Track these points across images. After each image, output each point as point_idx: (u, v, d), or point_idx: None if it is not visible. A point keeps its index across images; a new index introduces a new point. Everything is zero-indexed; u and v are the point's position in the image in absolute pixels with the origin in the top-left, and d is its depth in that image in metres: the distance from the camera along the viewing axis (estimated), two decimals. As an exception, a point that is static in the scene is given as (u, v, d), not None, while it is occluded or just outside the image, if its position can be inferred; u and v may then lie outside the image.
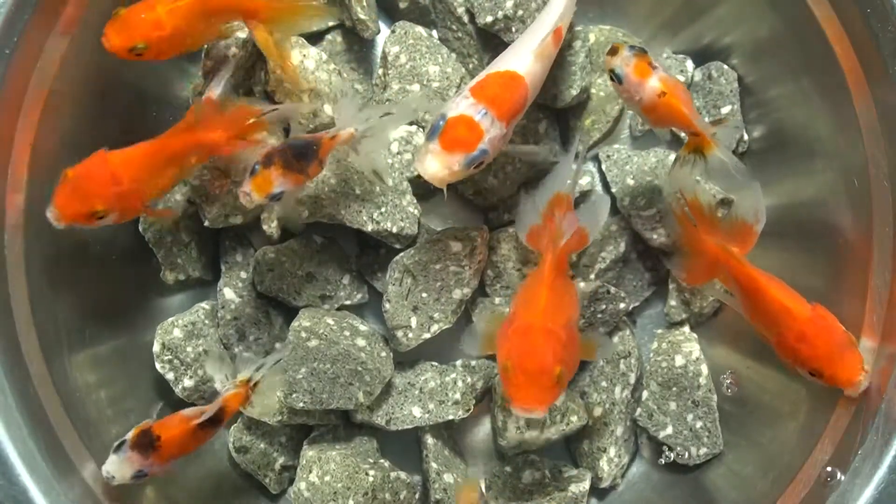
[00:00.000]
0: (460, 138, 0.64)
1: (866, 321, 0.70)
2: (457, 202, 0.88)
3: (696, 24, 0.87)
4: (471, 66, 0.85)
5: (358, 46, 0.89)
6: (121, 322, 0.83)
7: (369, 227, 0.80)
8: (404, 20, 0.85)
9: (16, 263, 0.71)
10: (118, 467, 0.68)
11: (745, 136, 0.86)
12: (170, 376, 0.82)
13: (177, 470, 0.79)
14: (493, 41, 0.82)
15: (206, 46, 0.82)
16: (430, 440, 0.82)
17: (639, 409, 0.84)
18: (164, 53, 0.72)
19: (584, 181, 0.87)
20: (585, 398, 0.85)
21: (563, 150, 0.88)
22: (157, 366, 0.82)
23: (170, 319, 0.83)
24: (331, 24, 0.88)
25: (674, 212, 0.77)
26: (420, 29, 0.84)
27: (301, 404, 0.78)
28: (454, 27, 0.84)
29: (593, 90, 0.88)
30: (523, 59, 0.69)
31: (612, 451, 0.83)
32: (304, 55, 0.82)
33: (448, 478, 0.81)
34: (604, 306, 0.83)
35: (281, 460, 0.84)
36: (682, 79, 0.87)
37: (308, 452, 0.80)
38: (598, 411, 0.84)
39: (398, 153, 0.82)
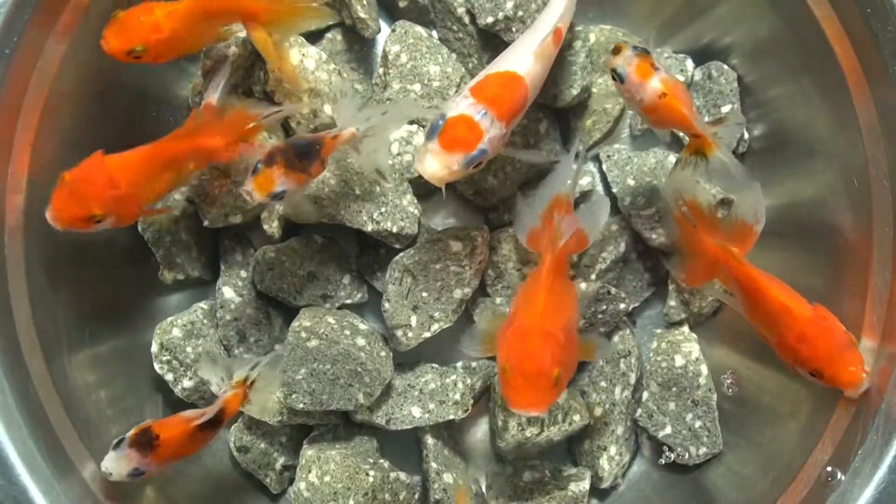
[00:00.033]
0: (460, 138, 0.64)
1: (866, 321, 0.70)
2: (457, 202, 0.88)
3: (696, 23, 0.87)
4: (471, 65, 0.85)
5: (358, 46, 0.89)
6: (120, 322, 0.83)
7: (369, 227, 0.80)
8: (404, 19, 0.85)
9: (16, 263, 0.71)
10: (115, 464, 0.68)
11: (746, 136, 0.86)
12: (169, 377, 0.82)
13: (174, 472, 0.79)
14: (493, 41, 0.82)
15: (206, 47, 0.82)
16: (429, 440, 0.82)
17: (639, 410, 0.84)
18: (162, 56, 0.72)
19: (584, 181, 0.87)
20: (585, 398, 0.85)
21: (564, 150, 0.88)
22: (156, 366, 0.82)
23: (168, 319, 0.83)
24: (330, 23, 0.88)
25: (673, 212, 0.77)
26: (420, 29, 0.84)
27: (301, 405, 0.78)
28: (454, 27, 0.84)
29: (594, 90, 0.88)
30: (523, 59, 0.69)
31: (612, 450, 0.83)
32: (304, 54, 0.82)
33: (448, 478, 0.81)
34: (604, 307, 0.83)
35: (282, 460, 0.84)
36: (681, 78, 0.87)
37: (308, 452, 0.80)
38: (598, 411, 0.84)
39: (398, 153, 0.82)
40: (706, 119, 0.86)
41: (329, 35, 0.89)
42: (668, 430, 0.83)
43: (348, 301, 0.85)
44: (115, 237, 0.82)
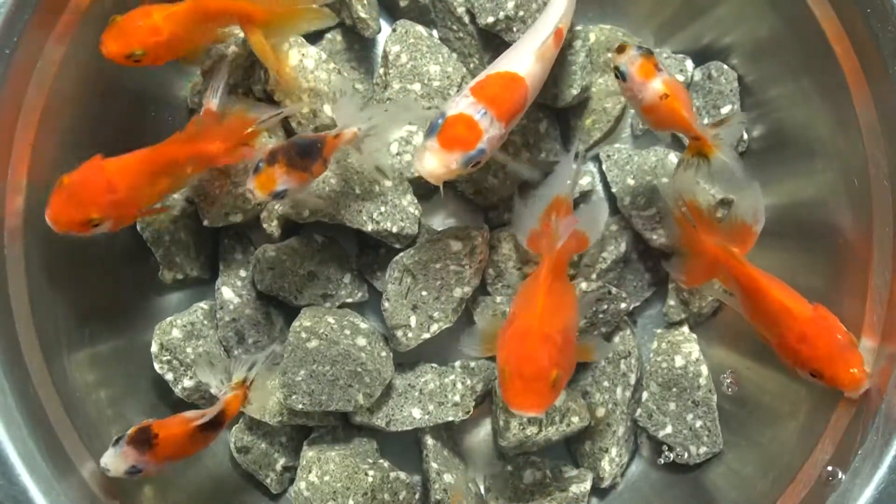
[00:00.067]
0: (459, 137, 0.64)
1: (866, 321, 0.70)
2: (457, 202, 0.88)
3: (696, 23, 0.87)
4: (472, 65, 0.85)
5: (358, 45, 0.89)
6: (120, 322, 0.83)
7: (369, 227, 0.80)
8: (404, 19, 0.85)
9: (16, 263, 0.71)
10: (113, 460, 0.68)
11: (745, 136, 0.86)
12: (169, 377, 0.82)
13: (175, 472, 0.79)
14: (493, 41, 0.82)
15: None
16: (429, 441, 0.82)
17: (639, 410, 0.84)
18: (161, 59, 0.72)
19: (584, 181, 0.87)
20: (588, 398, 0.85)
21: (564, 149, 0.88)
22: (156, 366, 0.82)
23: (168, 319, 0.83)
24: (328, 25, 0.88)
25: (673, 213, 0.77)
26: (420, 28, 0.84)
27: (300, 406, 0.78)
28: (455, 27, 0.84)
29: (594, 90, 0.88)
30: (524, 60, 0.69)
31: (613, 452, 0.83)
32: (304, 54, 0.82)
33: (448, 478, 0.81)
34: (605, 306, 0.83)
35: (282, 461, 0.84)
36: (681, 79, 0.87)
37: (308, 453, 0.81)
38: (601, 412, 0.84)
39: (398, 153, 0.82)
40: (706, 120, 0.86)
41: (329, 35, 0.89)
42: (669, 429, 0.83)
43: (349, 300, 0.85)
44: (114, 237, 0.81)
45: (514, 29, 0.80)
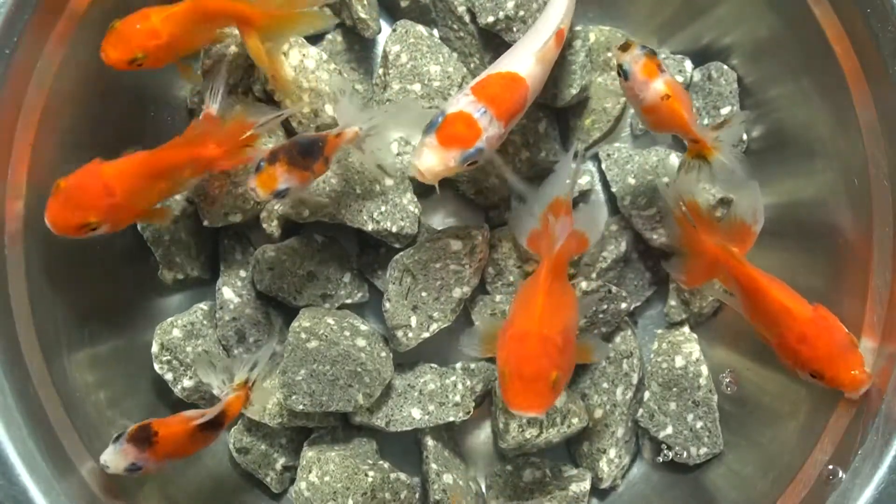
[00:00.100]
0: (458, 134, 0.65)
1: (866, 321, 0.70)
2: (457, 201, 0.88)
3: (696, 24, 0.87)
4: (472, 65, 0.85)
5: (358, 46, 0.89)
6: (120, 322, 0.83)
7: (369, 227, 0.80)
8: (405, 19, 0.85)
9: (16, 264, 0.71)
10: (113, 457, 0.68)
11: (745, 137, 0.86)
12: (168, 377, 0.82)
13: (175, 472, 0.79)
14: (494, 41, 0.82)
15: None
16: (430, 441, 0.82)
17: (640, 410, 0.84)
18: (161, 61, 0.72)
19: (583, 180, 0.87)
20: (586, 400, 0.85)
21: (563, 149, 0.88)
22: (156, 366, 0.82)
23: (168, 320, 0.83)
24: (326, 28, 0.88)
25: (673, 213, 0.77)
26: (421, 28, 0.84)
27: (301, 406, 0.78)
28: (455, 27, 0.84)
29: (593, 90, 0.88)
30: (525, 60, 0.69)
31: (612, 453, 0.83)
32: (304, 55, 0.82)
33: (448, 478, 0.81)
34: (605, 306, 0.83)
35: (282, 461, 0.84)
36: (680, 79, 0.87)
37: (308, 453, 0.81)
38: (598, 413, 0.84)
39: (398, 153, 0.82)
40: (706, 121, 0.86)
41: (329, 35, 0.89)
42: (669, 430, 0.83)
43: (348, 300, 0.85)
44: (114, 237, 0.81)
45: (514, 29, 0.80)
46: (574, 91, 0.84)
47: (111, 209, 0.69)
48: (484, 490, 0.86)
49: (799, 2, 0.74)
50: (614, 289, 0.83)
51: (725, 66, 0.86)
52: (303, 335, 0.78)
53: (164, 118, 0.86)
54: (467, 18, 0.83)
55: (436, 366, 0.84)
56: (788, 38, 0.78)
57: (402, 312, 0.80)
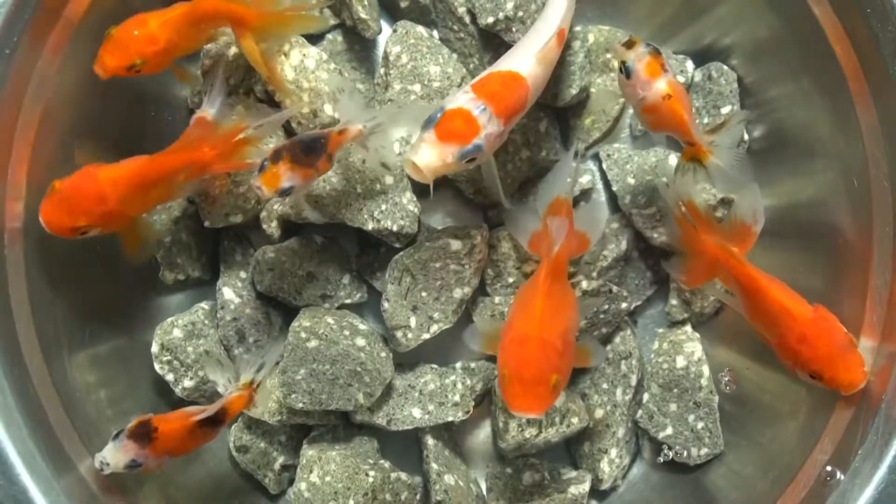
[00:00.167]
0: (456, 130, 0.64)
1: (866, 321, 0.70)
2: (457, 201, 0.88)
3: (696, 24, 0.87)
4: (472, 66, 0.85)
5: (359, 46, 0.89)
6: (121, 322, 0.83)
7: (370, 226, 0.80)
8: (405, 20, 0.85)
9: (16, 264, 0.71)
10: (113, 454, 0.68)
11: (745, 136, 0.86)
12: (169, 377, 0.82)
13: (174, 471, 0.79)
14: (493, 41, 0.82)
15: (205, 47, 0.81)
16: (430, 441, 0.82)
17: (640, 411, 0.84)
18: (159, 66, 0.72)
19: (584, 179, 0.87)
20: (586, 400, 0.85)
21: (564, 148, 0.88)
22: (156, 367, 0.82)
23: (169, 320, 0.83)
24: (322, 29, 0.88)
25: (673, 213, 0.77)
26: (421, 29, 0.84)
27: (300, 405, 0.78)
28: (455, 27, 0.84)
29: (593, 90, 0.88)
30: (526, 60, 0.69)
31: (612, 453, 0.83)
32: (304, 55, 0.82)
33: (449, 479, 0.81)
34: (606, 306, 0.83)
35: (281, 460, 0.84)
36: (682, 79, 0.87)
37: (308, 452, 0.80)
38: (599, 413, 0.84)
39: (398, 153, 0.82)
40: (706, 120, 0.86)
41: (330, 36, 0.89)
42: (669, 430, 0.83)
43: (348, 301, 0.85)
44: (114, 237, 0.82)
45: (514, 29, 0.80)
46: (574, 91, 0.84)
47: (103, 215, 0.69)
48: (485, 491, 0.86)
49: (799, 2, 0.74)
50: (615, 288, 0.83)
51: (725, 67, 0.86)
52: (303, 334, 0.78)
53: (165, 118, 0.86)
54: (467, 19, 0.83)
55: (436, 366, 0.84)
56: (788, 38, 0.78)
57: (401, 313, 0.80)
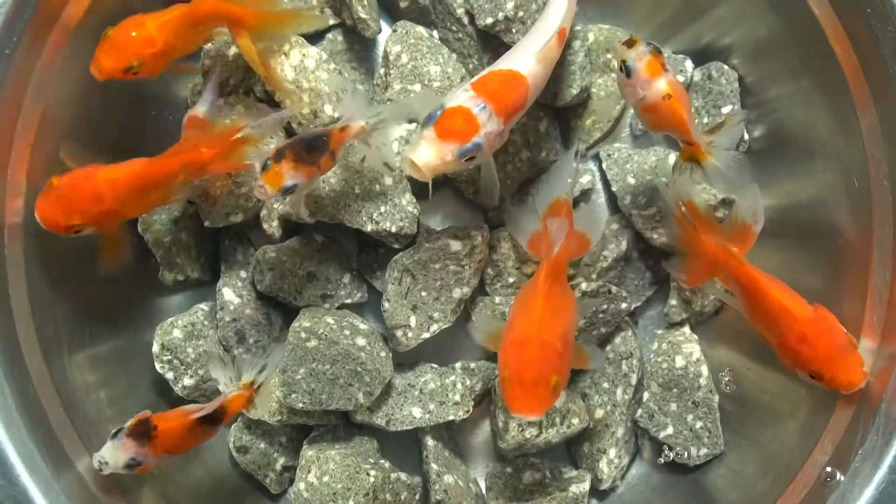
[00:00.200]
0: (456, 128, 0.64)
1: (866, 321, 0.70)
2: (456, 201, 0.88)
3: (696, 24, 0.87)
4: (471, 66, 0.85)
5: (359, 46, 0.89)
6: (121, 322, 0.83)
7: (368, 227, 0.80)
8: (405, 20, 0.85)
9: (16, 263, 0.71)
10: (112, 453, 0.68)
11: (746, 136, 0.86)
12: (169, 376, 0.82)
13: (174, 471, 0.79)
14: (493, 42, 0.82)
15: (205, 47, 0.81)
16: (430, 441, 0.82)
17: (640, 410, 0.84)
18: (158, 68, 0.72)
19: (584, 179, 0.87)
20: (587, 400, 0.85)
21: (564, 149, 0.88)
22: (157, 366, 0.82)
23: (169, 320, 0.83)
24: (320, 28, 0.88)
25: (673, 213, 0.77)
26: (421, 29, 0.84)
27: (300, 405, 0.78)
28: (454, 28, 0.84)
29: (594, 90, 0.88)
30: (526, 59, 0.69)
31: (612, 453, 0.83)
32: (304, 55, 0.82)
33: (448, 479, 0.81)
34: (605, 306, 0.83)
35: (281, 460, 0.84)
36: (681, 79, 0.87)
37: (307, 452, 0.80)
38: (599, 413, 0.84)
39: (398, 153, 0.82)
40: (705, 120, 0.86)
41: (330, 35, 0.89)
42: (670, 430, 0.83)
43: (348, 301, 0.85)
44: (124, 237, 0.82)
45: (514, 30, 0.80)
46: (574, 91, 0.84)
47: (99, 215, 0.69)
48: (484, 491, 0.86)
49: (799, 2, 0.74)
50: (614, 289, 0.83)
51: (726, 66, 0.86)
52: (303, 334, 0.78)
53: (166, 117, 0.86)
54: (466, 20, 0.83)
55: (436, 365, 0.84)
56: (788, 38, 0.78)
57: (402, 312, 0.80)
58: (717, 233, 0.74)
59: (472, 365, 0.84)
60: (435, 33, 0.87)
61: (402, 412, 0.81)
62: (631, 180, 0.85)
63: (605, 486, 0.83)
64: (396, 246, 0.82)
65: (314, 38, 0.87)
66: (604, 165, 0.86)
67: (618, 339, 0.85)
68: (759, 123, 0.85)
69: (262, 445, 0.83)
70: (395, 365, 0.82)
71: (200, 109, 0.79)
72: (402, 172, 0.82)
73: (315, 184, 0.79)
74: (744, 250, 0.73)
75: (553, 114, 0.87)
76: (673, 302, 0.86)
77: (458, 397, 0.81)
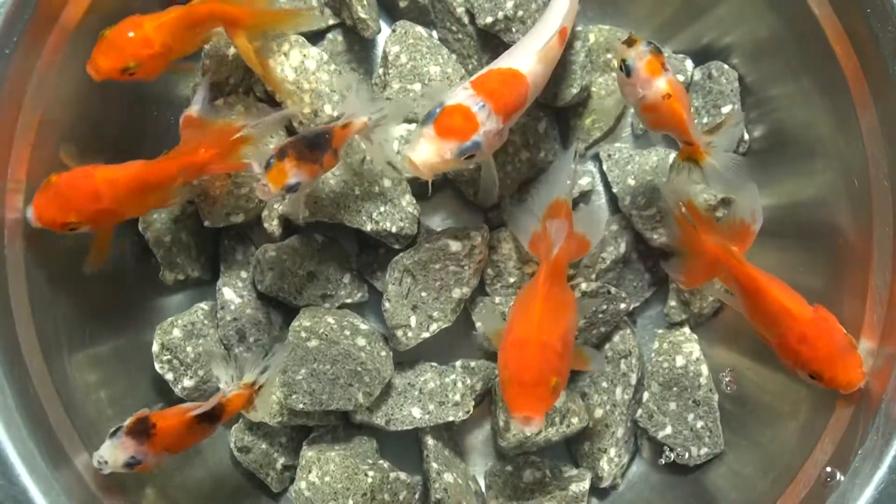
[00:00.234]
0: (455, 126, 0.64)
1: (866, 321, 0.70)
2: (456, 202, 0.88)
3: (696, 23, 0.87)
4: (470, 66, 0.85)
5: (358, 46, 0.89)
6: (121, 322, 0.83)
7: (368, 227, 0.80)
8: (404, 20, 0.85)
9: (16, 263, 0.71)
10: (111, 452, 0.68)
11: (746, 136, 0.86)
12: (169, 376, 0.82)
13: (175, 471, 0.79)
14: (492, 42, 0.82)
15: (205, 47, 0.81)
16: (430, 441, 0.82)
17: (640, 410, 0.84)
18: (155, 69, 0.72)
19: (583, 181, 0.87)
20: (586, 399, 0.85)
21: (563, 149, 0.88)
22: (157, 366, 0.82)
23: (169, 319, 0.83)
24: (316, 27, 0.88)
25: (673, 213, 0.77)
26: (420, 29, 0.84)
27: (301, 405, 0.78)
28: (454, 28, 0.84)
29: (594, 89, 0.88)
30: (527, 58, 0.69)
31: (612, 452, 0.83)
32: (305, 55, 0.82)
33: (448, 478, 0.81)
34: (604, 306, 0.83)
35: (282, 460, 0.84)
36: (681, 79, 0.87)
37: (307, 453, 0.80)
38: (598, 412, 0.84)
39: (397, 153, 0.82)
40: (705, 119, 0.86)
41: (330, 35, 0.89)
42: (669, 430, 0.83)
43: (348, 300, 0.85)
44: (115, 238, 0.82)
45: (513, 29, 0.80)
46: (574, 91, 0.84)
47: (95, 214, 0.69)
48: (483, 490, 0.86)
49: (799, 2, 0.74)
50: (613, 290, 0.83)
51: (726, 66, 0.86)
52: (303, 334, 0.78)
53: (167, 118, 0.86)
54: (466, 20, 0.83)
55: (436, 364, 0.84)
56: (788, 38, 0.78)
57: (402, 312, 0.80)
58: (717, 232, 0.74)
59: (473, 364, 0.84)
60: (434, 33, 0.87)
61: (402, 412, 0.81)
62: (631, 181, 0.85)
63: (605, 483, 0.83)
64: (397, 246, 0.82)
65: (314, 38, 0.87)
66: (604, 166, 0.86)
67: (616, 338, 0.85)
68: (759, 123, 0.85)
69: (264, 446, 0.83)
70: (395, 364, 0.82)
71: (194, 109, 0.79)
72: (402, 173, 0.82)
73: (315, 184, 0.79)
74: (743, 249, 0.73)
75: (552, 114, 0.87)
76: (672, 303, 0.86)
77: (458, 397, 0.81)
